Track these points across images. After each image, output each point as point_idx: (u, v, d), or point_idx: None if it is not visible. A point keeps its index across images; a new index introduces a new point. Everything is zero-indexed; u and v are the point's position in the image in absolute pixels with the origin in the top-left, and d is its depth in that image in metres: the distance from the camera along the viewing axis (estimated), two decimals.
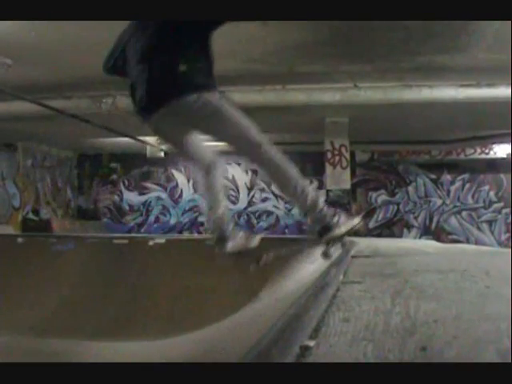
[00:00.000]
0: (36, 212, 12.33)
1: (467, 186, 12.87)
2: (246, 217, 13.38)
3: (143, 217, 13.83)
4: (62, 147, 13.10)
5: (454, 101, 7.22)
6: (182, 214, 13.68)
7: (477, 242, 12.22)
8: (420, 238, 12.63)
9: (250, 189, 13.38)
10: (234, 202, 13.05)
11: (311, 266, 3.91)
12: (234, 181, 13.25)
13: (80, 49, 5.71)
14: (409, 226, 13.04)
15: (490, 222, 12.79)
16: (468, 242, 12.31)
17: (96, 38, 4.75)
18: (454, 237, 12.68)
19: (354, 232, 3.09)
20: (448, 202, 12.93)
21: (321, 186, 11.10)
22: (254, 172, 13.15)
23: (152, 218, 13.79)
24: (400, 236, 12.71)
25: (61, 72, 6.66)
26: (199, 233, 13.21)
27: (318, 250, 3.32)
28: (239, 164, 13.06)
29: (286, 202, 13.11)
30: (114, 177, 13.99)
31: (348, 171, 9.78)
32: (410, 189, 13.07)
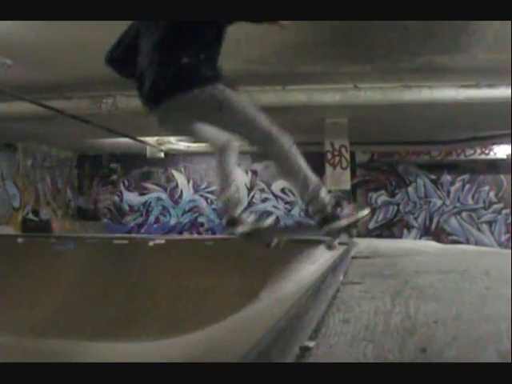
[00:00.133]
0: (36, 212, 12.32)
1: (467, 186, 12.87)
2: None
3: (143, 217, 13.82)
4: (62, 147, 13.09)
5: (453, 101, 7.21)
6: (182, 214, 13.67)
7: (477, 243, 12.22)
8: (420, 238, 12.62)
9: (249, 189, 13.37)
10: None
11: (311, 266, 3.91)
12: None
13: (80, 49, 5.71)
14: (409, 227, 13.03)
15: (490, 223, 12.79)
16: (468, 242, 12.30)
17: (96, 37, 4.74)
18: (454, 237, 12.67)
19: (356, 226, 3.05)
20: (448, 202, 12.92)
21: None
22: (254, 172, 13.15)
23: (152, 219, 13.78)
24: (400, 237, 12.70)
25: (61, 72, 6.66)
26: (199, 233, 13.21)
27: (318, 250, 3.32)
28: (239, 164, 13.03)
29: (285, 203, 13.11)
30: (114, 177, 13.98)
31: (348, 172, 9.78)
32: (410, 189, 13.06)
